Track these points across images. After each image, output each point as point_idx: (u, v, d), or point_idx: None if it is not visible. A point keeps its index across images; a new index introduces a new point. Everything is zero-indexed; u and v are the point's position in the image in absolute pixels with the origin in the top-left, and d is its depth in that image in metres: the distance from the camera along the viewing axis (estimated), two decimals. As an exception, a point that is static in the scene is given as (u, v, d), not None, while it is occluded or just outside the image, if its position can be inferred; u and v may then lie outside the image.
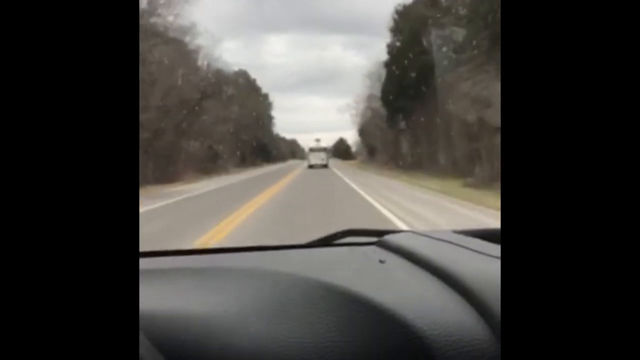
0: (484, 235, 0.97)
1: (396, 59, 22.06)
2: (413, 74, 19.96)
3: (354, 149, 55.08)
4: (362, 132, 39.14)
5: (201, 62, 26.42)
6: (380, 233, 1.08)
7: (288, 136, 58.59)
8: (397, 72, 21.73)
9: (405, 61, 20.43)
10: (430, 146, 21.26)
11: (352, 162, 47.61)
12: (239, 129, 30.81)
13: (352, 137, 52.51)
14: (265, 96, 43.64)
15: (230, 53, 55.21)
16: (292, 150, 61.29)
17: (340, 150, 58.76)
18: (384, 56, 25.14)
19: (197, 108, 24.28)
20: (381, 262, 0.88)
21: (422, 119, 20.64)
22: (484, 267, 0.74)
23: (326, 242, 1.12)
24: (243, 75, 38.91)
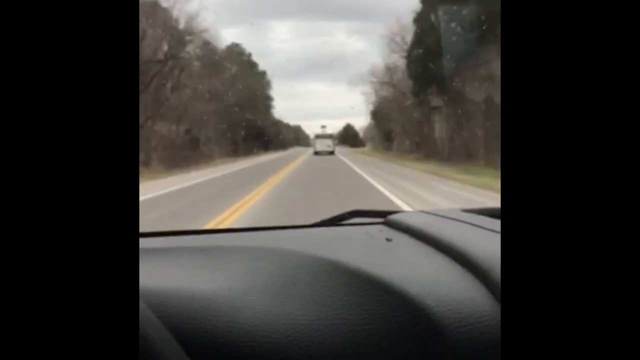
0: (492, 213, 0.98)
1: (434, 5, 15.76)
2: (464, 23, 13.67)
3: (361, 135, 49.87)
4: (376, 113, 32.95)
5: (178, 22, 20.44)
6: (386, 214, 1.07)
7: (292, 122, 53.25)
8: (437, 22, 15.42)
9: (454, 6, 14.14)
10: (487, 129, 14.98)
11: (362, 149, 41.85)
12: (229, 110, 24.75)
13: (359, 123, 47.27)
14: (263, 74, 37.47)
15: (234, 39, 49.54)
16: (296, 137, 56.38)
17: (348, 137, 53.42)
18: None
19: (163, 80, 18.37)
20: (388, 240, 0.88)
21: (473, 89, 14.45)
22: (492, 244, 0.73)
23: (333, 222, 1.13)
24: (236, 48, 32.79)
